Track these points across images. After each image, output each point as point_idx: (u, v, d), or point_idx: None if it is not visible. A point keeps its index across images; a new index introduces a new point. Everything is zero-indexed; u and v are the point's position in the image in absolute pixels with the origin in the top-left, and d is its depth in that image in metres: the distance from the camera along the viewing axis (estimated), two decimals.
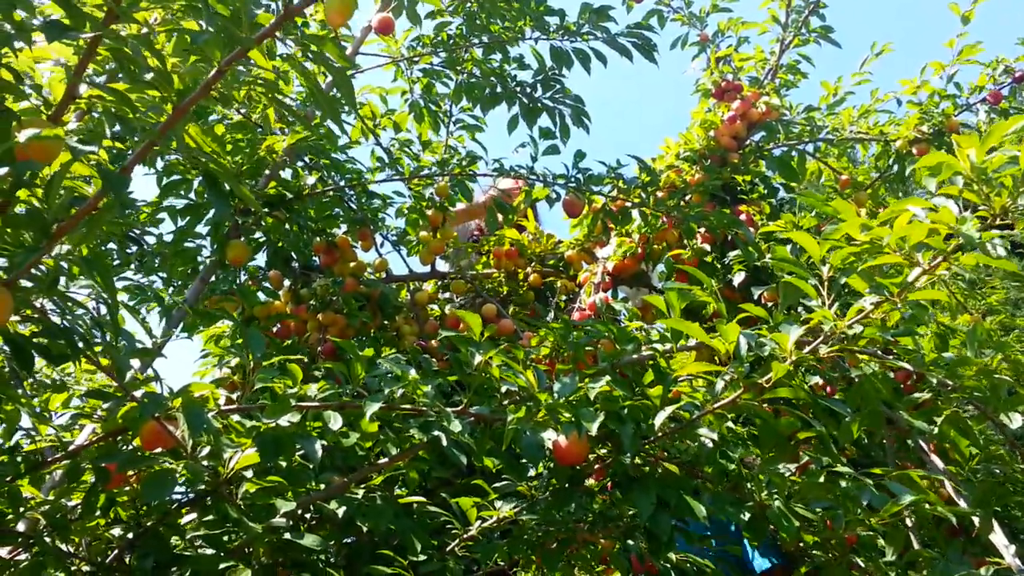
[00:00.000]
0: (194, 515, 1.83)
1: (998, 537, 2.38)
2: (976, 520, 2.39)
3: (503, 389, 1.86)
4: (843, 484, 1.66)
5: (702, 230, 3.45)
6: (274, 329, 3.19)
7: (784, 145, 3.88)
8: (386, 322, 3.38)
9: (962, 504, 2.40)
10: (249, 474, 1.70)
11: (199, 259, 2.68)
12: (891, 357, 2.03)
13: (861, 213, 3.91)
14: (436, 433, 1.65)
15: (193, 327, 3.18)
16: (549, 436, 1.62)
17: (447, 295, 3.73)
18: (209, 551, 1.60)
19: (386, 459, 1.82)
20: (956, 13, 4.04)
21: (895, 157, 3.99)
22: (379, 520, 1.72)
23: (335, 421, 1.66)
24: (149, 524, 1.78)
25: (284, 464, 1.79)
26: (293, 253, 3.33)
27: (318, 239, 3.23)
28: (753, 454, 1.74)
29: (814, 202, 1.71)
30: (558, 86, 3.00)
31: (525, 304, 3.69)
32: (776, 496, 1.63)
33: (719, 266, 3.38)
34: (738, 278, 3.28)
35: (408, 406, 1.75)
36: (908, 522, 2.29)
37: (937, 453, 2.57)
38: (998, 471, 2.18)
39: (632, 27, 2.68)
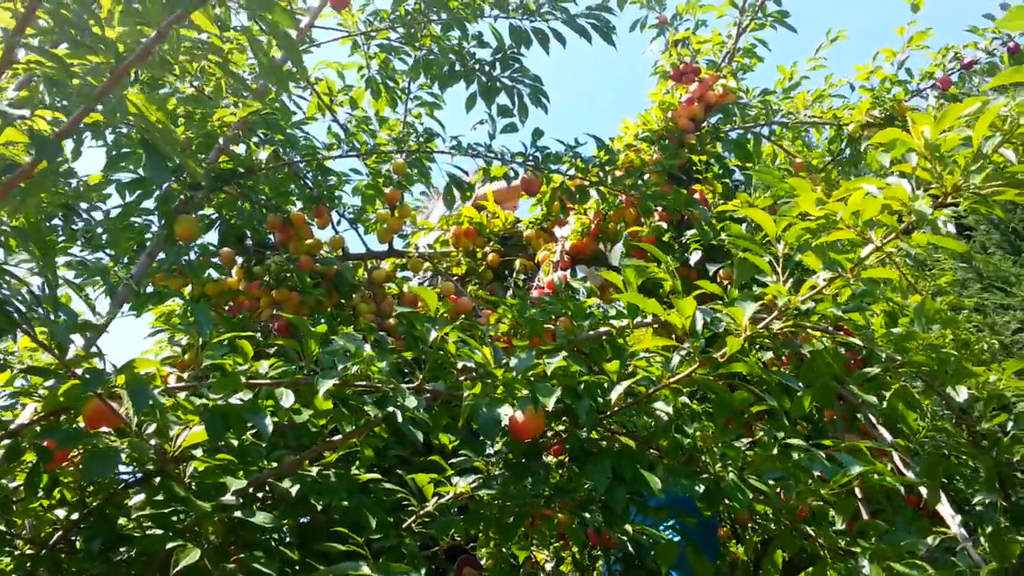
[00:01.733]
0: (141, 495, 1.80)
1: (944, 508, 2.43)
2: (924, 491, 2.45)
3: (459, 366, 1.85)
4: (795, 456, 1.67)
5: (660, 209, 3.47)
6: (226, 307, 3.14)
7: (740, 128, 3.91)
8: (342, 301, 3.34)
9: (910, 476, 2.46)
10: (198, 452, 1.67)
11: (147, 235, 2.62)
12: (841, 333, 2.05)
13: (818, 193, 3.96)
14: (391, 409, 1.63)
15: (142, 306, 3.12)
16: (506, 411, 1.61)
17: (405, 274, 3.70)
18: (157, 531, 1.56)
19: (340, 436, 1.80)
20: (907, 1, 4.10)
21: (848, 141, 4.04)
22: (334, 496, 1.70)
23: (287, 398, 1.64)
24: (95, 504, 1.75)
25: (235, 443, 1.77)
26: (247, 231, 3.28)
27: (273, 216, 3.18)
28: (708, 428, 1.75)
29: (770, 179, 1.72)
30: (517, 65, 2.98)
31: (484, 283, 3.69)
32: (730, 468, 1.65)
33: (676, 245, 3.40)
34: (694, 257, 3.31)
35: (363, 383, 1.73)
36: (858, 493, 2.33)
37: (885, 427, 2.62)
38: (944, 443, 2.22)
39: (591, 8, 2.67)
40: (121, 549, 1.69)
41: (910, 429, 2.15)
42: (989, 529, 2.04)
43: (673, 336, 1.75)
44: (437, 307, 1.75)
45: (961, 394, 2.03)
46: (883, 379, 2.14)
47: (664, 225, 3.37)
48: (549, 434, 1.83)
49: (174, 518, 1.66)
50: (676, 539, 2.62)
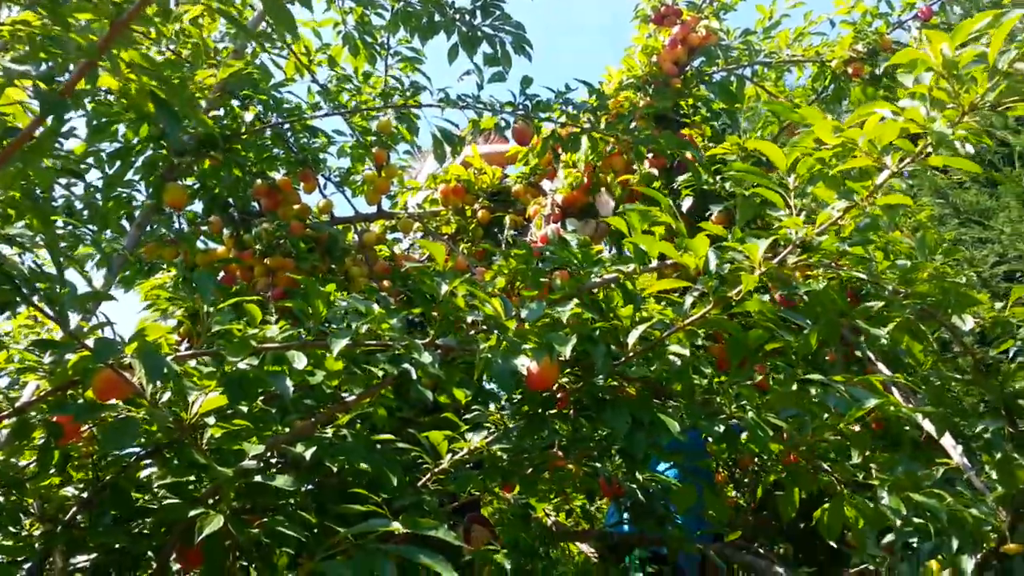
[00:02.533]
0: (154, 468, 1.78)
1: (946, 439, 2.45)
2: (925, 423, 2.47)
3: (468, 320, 1.83)
4: (812, 391, 1.67)
5: (649, 156, 3.44)
6: (218, 277, 3.09)
7: (723, 70, 3.87)
8: (334, 265, 3.30)
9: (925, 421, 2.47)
10: (211, 420, 1.65)
11: (133, 205, 2.56)
12: (845, 269, 2.05)
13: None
14: (406, 366, 1.61)
15: (131, 280, 3.06)
16: (522, 362, 1.59)
17: (395, 235, 3.66)
18: (176, 500, 1.54)
19: (353, 397, 1.78)
20: None
21: (831, 77, 4.02)
22: (352, 457, 1.68)
23: (299, 360, 1.61)
24: (108, 478, 1.72)
25: (246, 409, 1.74)
26: (231, 199, 3.22)
27: (259, 182, 3.12)
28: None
29: (781, 109, 1.70)
30: (498, 12, 2.92)
31: (475, 240, 3.65)
32: (748, 408, 1.64)
33: (667, 191, 3.37)
34: (686, 203, 3.29)
35: (373, 342, 1.71)
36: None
37: (884, 363, 2.63)
38: (949, 374, 2.24)
39: None
40: (138, 521, 1.67)
41: (916, 361, 2.16)
42: (999, 456, 2.06)
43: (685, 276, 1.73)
44: (445, 260, 1.72)
45: (967, 323, 2.04)
46: (887, 313, 2.14)
47: (655, 172, 3.35)
48: (564, 382, 1.81)
49: (191, 487, 1.64)
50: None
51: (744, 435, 1.73)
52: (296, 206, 3.23)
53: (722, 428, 1.64)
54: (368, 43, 3.20)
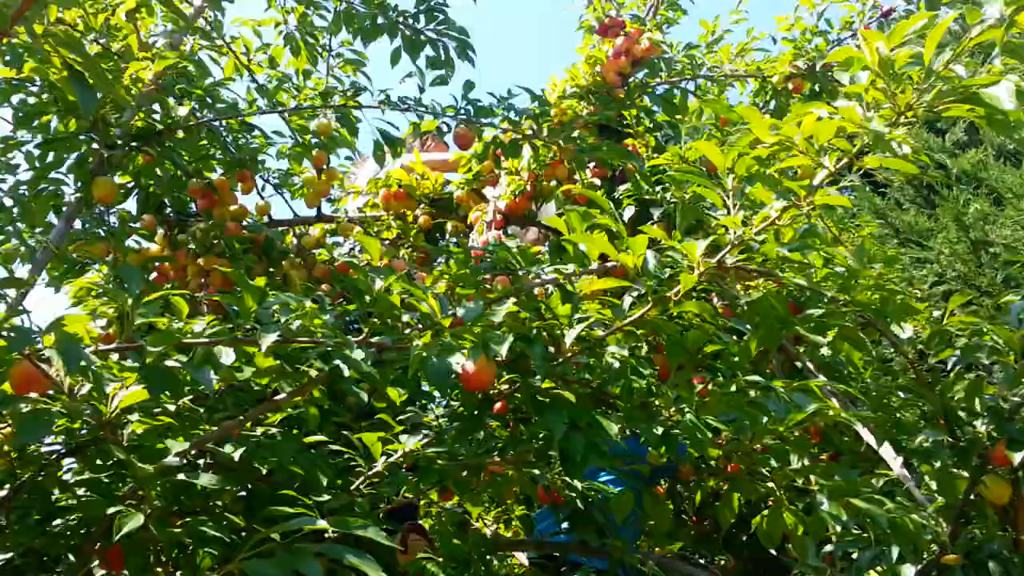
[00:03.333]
0: (74, 467, 1.70)
1: (886, 449, 2.47)
2: (864, 433, 2.48)
3: (404, 319, 1.79)
4: (752, 394, 1.66)
5: (592, 166, 3.44)
6: (150, 276, 3.00)
7: (666, 83, 3.90)
8: (271, 268, 3.23)
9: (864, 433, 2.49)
10: (133, 417, 1.58)
11: (63, 199, 2.46)
12: (787, 275, 2.05)
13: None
14: (337, 363, 1.56)
15: (60, 279, 2.95)
16: (457, 360, 1.55)
17: (335, 239, 3.60)
18: (92, 499, 1.47)
19: (283, 395, 1.72)
20: None
21: (772, 93, 4.08)
22: (283, 457, 1.63)
23: (227, 356, 1.55)
24: (26, 476, 1.64)
25: (172, 407, 1.68)
26: (166, 199, 3.14)
27: (194, 182, 3.04)
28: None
29: (719, 108, 1.70)
30: (442, 17, 2.90)
31: (416, 245, 3.61)
32: (686, 410, 1.63)
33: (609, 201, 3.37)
34: (628, 213, 3.29)
35: (305, 339, 1.66)
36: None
37: (823, 374, 2.65)
38: (889, 384, 2.26)
39: None
40: (57, 521, 1.60)
41: (856, 370, 2.17)
42: (937, 464, 2.08)
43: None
44: (381, 257, 1.68)
45: (906, 331, 2.05)
46: (827, 321, 2.16)
47: (597, 182, 3.35)
48: (501, 386, 1.78)
49: (113, 485, 1.57)
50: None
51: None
52: (233, 207, 3.15)
53: (661, 430, 1.62)
54: (309, 44, 3.15)
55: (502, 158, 2.97)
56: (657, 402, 1.76)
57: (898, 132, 1.26)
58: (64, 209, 2.38)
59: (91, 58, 1.23)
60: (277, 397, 1.73)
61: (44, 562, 1.61)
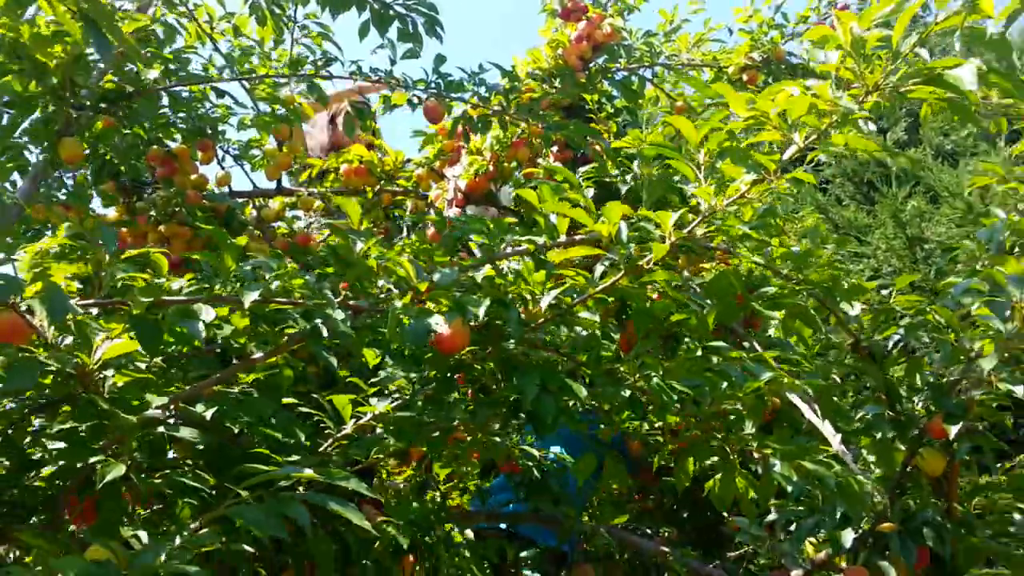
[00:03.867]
0: (43, 422, 1.70)
1: (825, 426, 2.59)
2: (808, 412, 2.60)
3: (379, 283, 1.83)
4: (715, 360, 1.74)
5: (555, 150, 3.51)
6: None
7: (625, 69, 3.97)
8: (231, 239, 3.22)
9: (796, 399, 2.60)
10: (110, 371, 1.59)
11: (28, 160, 2.43)
12: (743, 256, 2.14)
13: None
14: (318, 322, 1.60)
15: (14, 246, 2.91)
16: (436, 321, 1.60)
17: (295, 212, 3.60)
18: (73, 448, 1.48)
19: (258, 355, 1.75)
20: None
21: (728, 82, 4.18)
22: (261, 413, 1.65)
23: (207, 313, 1.58)
24: None
25: (144, 366, 1.69)
26: (122, 167, 3.11)
27: (154, 149, 3.02)
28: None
29: (696, 85, 1.77)
30: None
31: (376, 222, 3.64)
32: (653, 376, 1.70)
33: None
34: (589, 194, 3.36)
35: (283, 299, 1.69)
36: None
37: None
38: (835, 359, 2.36)
39: None
40: (32, 473, 1.60)
41: (806, 345, 2.28)
42: (879, 436, 2.19)
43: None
44: (360, 219, 1.72)
45: (855, 308, 2.16)
46: (780, 299, 2.25)
47: (559, 165, 3.41)
48: (472, 348, 1.82)
49: (88, 438, 1.58)
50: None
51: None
52: (193, 176, 3.14)
53: (628, 393, 1.69)
54: (276, 14, 3.14)
55: (470, 134, 3.01)
56: (622, 368, 1.83)
57: (864, 112, 1.34)
58: (30, 169, 2.35)
59: (102, 6, 1.24)
60: (253, 357, 1.75)
61: (20, 514, 1.62)
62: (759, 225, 1.95)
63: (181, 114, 3.00)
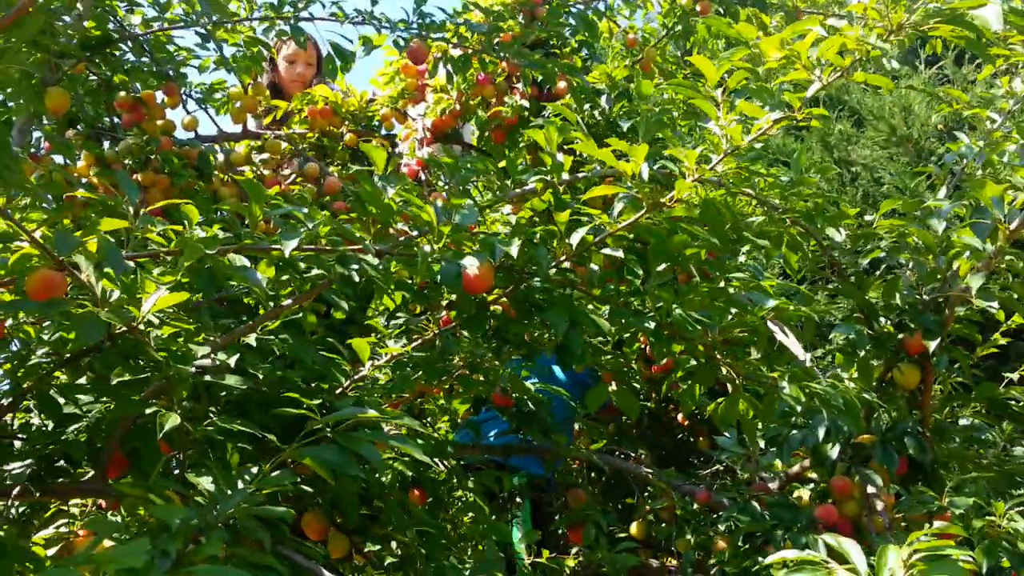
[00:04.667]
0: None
1: (796, 348, 2.74)
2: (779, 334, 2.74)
3: (399, 226, 1.86)
4: (730, 291, 1.83)
5: (519, 87, 3.52)
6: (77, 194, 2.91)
7: (581, 2, 3.98)
8: (197, 184, 3.18)
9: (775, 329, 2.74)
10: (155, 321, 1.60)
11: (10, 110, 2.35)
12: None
13: (652, 68, 4.15)
14: (355, 267, 1.63)
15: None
16: (469, 262, 1.64)
17: (262, 156, 3.55)
18: (126, 398, 1.50)
19: (288, 302, 1.77)
20: None
21: (680, 14, 4.23)
22: (303, 353, 1.69)
23: (240, 262, 1.59)
24: (30, 384, 1.64)
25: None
26: (78, 113, 3.02)
27: (121, 95, 2.94)
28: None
29: (719, 24, 1.82)
30: None
31: (343, 163, 3.61)
32: (675, 307, 1.78)
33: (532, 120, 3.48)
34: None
35: (311, 246, 1.71)
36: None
37: None
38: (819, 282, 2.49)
39: None
40: (71, 427, 1.61)
41: (792, 270, 2.39)
42: (861, 354, 2.33)
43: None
44: (386, 167, 1.74)
45: (840, 234, 2.28)
46: (767, 228, 2.36)
47: (525, 104, 3.44)
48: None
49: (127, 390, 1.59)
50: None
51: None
52: (160, 121, 3.07)
53: (652, 324, 1.77)
54: None
55: (453, 75, 3.00)
56: (637, 302, 1.91)
57: (888, 47, 1.42)
58: (14, 120, 2.28)
59: None
60: (283, 304, 1.78)
61: (60, 467, 1.63)
62: (754, 157, 2.03)
63: (144, 58, 2.92)
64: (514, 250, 1.64)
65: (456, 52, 2.90)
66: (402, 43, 2.75)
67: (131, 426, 1.58)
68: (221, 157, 3.31)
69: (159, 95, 3.02)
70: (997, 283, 2.16)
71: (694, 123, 2.73)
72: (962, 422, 2.65)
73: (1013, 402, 2.67)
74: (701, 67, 1.65)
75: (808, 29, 1.48)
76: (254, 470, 1.43)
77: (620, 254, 1.76)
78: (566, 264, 1.83)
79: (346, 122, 3.65)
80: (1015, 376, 3.10)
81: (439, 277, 1.67)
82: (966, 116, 2.84)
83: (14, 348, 1.63)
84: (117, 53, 2.41)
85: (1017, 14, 1.31)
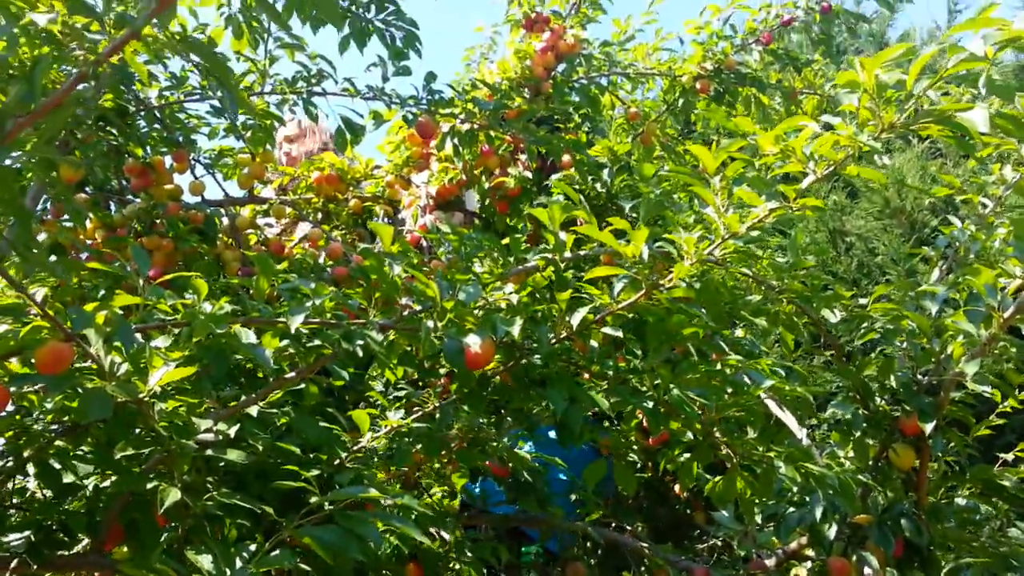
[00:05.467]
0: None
1: (793, 424, 2.76)
2: (775, 409, 2.76)
3: (403, 301, 1.89)
4: (727, 372, 1.86)
5: (523, 158, 3.60)
6: (84, 257, 2.95)
7: (585, 77, 4.08)
8: (201, 248, 3.22)
9: (772, 405, 2.76)
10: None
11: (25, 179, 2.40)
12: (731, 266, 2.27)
13: (653, 142, 4.24)
14: (359, 343, 1.66)
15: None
16: (472, 340, 1.67)
17: (267, 220, 3.60)
18: (128, 471, 1.51)
19: (291, 374, 1.79)
20: None
21: (681, 92, 4.34)
22: (307, 429, 1.71)
23: (247, 336, 1.62)
24: (30, 454, 1.66)
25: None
26: (88, 177, 3.08)
27: (131, 160, 3.00)
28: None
29: (718, 117, 1.88)
30: (392, 8, 2.96)
31: (348, 228, 3.67)
32: (673, 386, 1.81)
33: (538, 191, 3.54)
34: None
35: (316, 320, 1.74)
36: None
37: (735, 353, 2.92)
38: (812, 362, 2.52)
39: None
40: (69, 497, 1.62)
41: (788, 348, 2.42)
42: (857, 434, 2.34)
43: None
44: (393, 244, 1.78)
45: (836, 315, 2.31)
46: (764, 307, 2.39)
47: (529, 175, 3.51)
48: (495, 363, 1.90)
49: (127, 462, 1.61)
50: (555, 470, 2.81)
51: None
52: (169, 186, 3.13)
53: (651, 404, 1.80)
54: (253, 28, 3.14)
55: (460, 149, 3.07)
56: (634, 380, 1.93)
57: (876, 144, 1.47)
58: (30, 186, 2.33)
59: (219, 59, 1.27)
60: (287, 376, 1.80)
61: (59, 540, 1.63)
62: (755, 240, 2.08)
63: (156, 125, 2.99)
64: (516, 329, 1.67)
65: (464, 126, 2.96)
66: (411, 118, 2.81)
67: (130, 497, 1.59)
68: (226, 221, 3.37)
69: (168, 160, 3.09)
70: (992, 367, 2.18)
71: (692, 200, 2.79)
72: (959, 502, 2.65)
73: (1007, 483, 2.68)
74: (699, 156, 1.70)
75: (803, 125, 1.54)
76: (252, 547, 1.44)
77: (619, 333, 1.79)
78: (566, 341, 1.86)
79: (351, 188, 3.71)
80: (1010, 457, 3.11)
81: (442, 353, 1.70)
82: (958, 201, 2.89)
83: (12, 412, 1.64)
84: (130, 123, 2.46)
85: (1004, 117, 1.37)
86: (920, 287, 2.29)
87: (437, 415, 1.97)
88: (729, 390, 1.94)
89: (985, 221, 2.58)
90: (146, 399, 1.50)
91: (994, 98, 1.60)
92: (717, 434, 1.93)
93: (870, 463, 2.48)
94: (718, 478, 2.12)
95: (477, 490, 2.82)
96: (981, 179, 2.62)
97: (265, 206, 3.55)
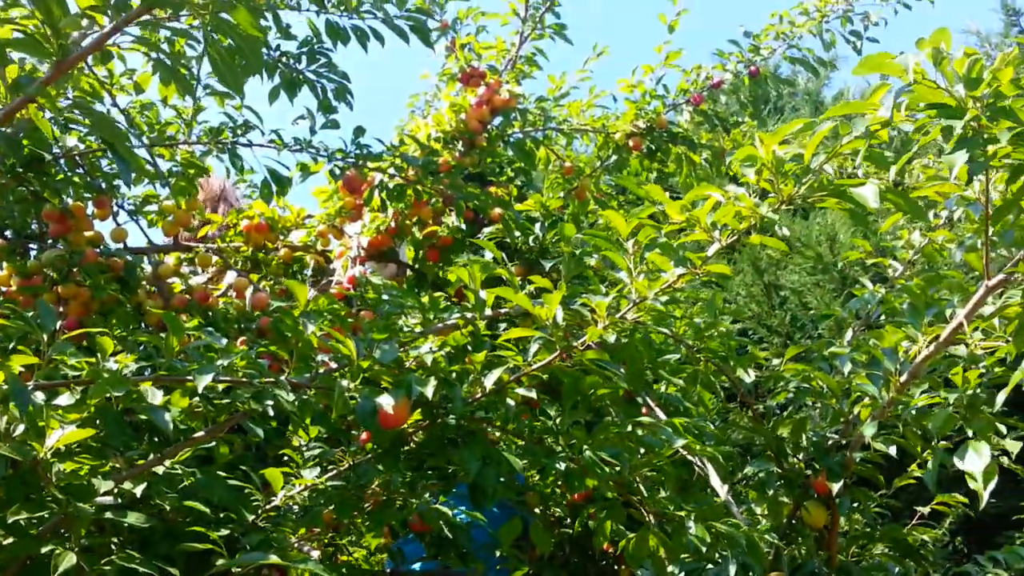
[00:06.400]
0: None
1: (715, 480, 2.79)
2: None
3: (318, 358, 1.89)
4: (639, 432, 1.88)
5: (452, 210, 3.62)
6: None
7: (519, 132, 4.15)
8: (121, 296, 3.16)
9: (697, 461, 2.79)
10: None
11: None
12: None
13: (587, 196, 4.31)
14: (269, 402, 1.64)
15: None
16: (384, 400, 1.67)
17: (191, 269, 3.56)
18: (21, 538, 1.47)
19: (201, 433, 1.77)
20: (663, 22, 4.54)
21: (614, 148, 4.43)
22: (214, 489, 1.68)
23: (154, 396, 1.59)
24: None
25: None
26: (6, 221, 3.02)
27: (49, 206, 2.95)
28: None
29: (629, 184, 1.92)
30: (324, 60, 2.99)
31: (276, 277, 3.64)
32: (585, 448, 1.82)
33: (470, 243, 3.57)
34: (488, 255, 3.49)
35: (240, 379, 1.72)
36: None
37: (661, 409, 2.95)
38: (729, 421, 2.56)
39: (410, 9, 2.74)
40: None
41: (706, 408, 2.46)
42: (771, 492, 2.38)
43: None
44: (307, 302, 1.78)
45: (750, 376, 2.36)
46: (683, 366, 2.44)
47: (462, 226, 3.54)
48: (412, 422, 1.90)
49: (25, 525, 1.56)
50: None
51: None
52: (88, 233, 3.08)
53: (563, 466, 1.81)
54: (180, 75, 3.13)
55: (387, 203, 3.09)
56: (549, 439, 1.95)
57: (776, 216, 1.53)
58: None
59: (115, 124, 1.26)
60: (196, 435, 1.77)
61: None
62: (671, 300, 2.12)
63: (79, 170, 2.95)
64: (429, 390, 1.68)
65: (393, 180, 2.98)
66: (338, 171, 2.82)
67: (26, 562, 1.55)
68: (149, 268, 3.31)
69: (89, 206, 3.04)
70: (895, 430, 2.25)
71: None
72: (873, 561, 2.71)
73: (927, 539, 2.75)
74: (612, 221, 1.74)
75: (707, 195, 1.59)
76: None
77: (533, 394, 1.81)
78: (483, 400, 1.87)
79: (281, 237, 3.69)
80: (927, 510, 3.19)
81: (355, 413, 1.69)
82: (869, 264, 3.00)
83: None
84: (49, 170, 2.42)
85: (893, 193, 1.44)
86: (831, 348, 2.35)
87: (352, 473, 1.96)
88: (642, 450, 1.96)
89: (895, 284, 2.68)
90: (43, 460, 1.46)
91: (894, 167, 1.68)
92: (632, 495, 1.95)
93: (784, 520, 2.52)
94: (631, 536, 2.13)
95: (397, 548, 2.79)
96: (891, 243, 2.72)
97: (191, 254, 3.51)
